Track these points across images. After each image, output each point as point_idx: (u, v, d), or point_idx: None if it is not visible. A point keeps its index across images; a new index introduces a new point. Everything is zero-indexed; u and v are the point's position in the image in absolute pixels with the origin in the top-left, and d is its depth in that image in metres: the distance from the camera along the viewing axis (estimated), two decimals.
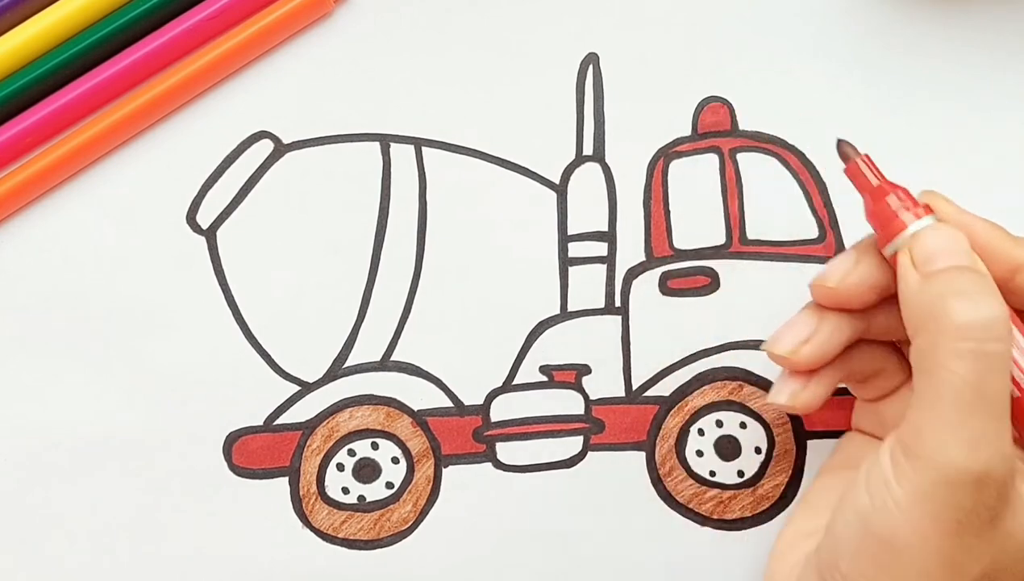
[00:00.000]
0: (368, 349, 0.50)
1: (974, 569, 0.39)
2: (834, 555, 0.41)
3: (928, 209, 0.43)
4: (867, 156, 0.44)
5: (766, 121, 0.51)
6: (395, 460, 0.51)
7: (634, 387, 0.51)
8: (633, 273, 0.51)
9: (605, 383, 0.50)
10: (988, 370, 0.38)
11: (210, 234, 0.50)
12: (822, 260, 0.51)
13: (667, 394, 0.51)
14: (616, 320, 0.51)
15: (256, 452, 0.50)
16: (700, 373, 0.51)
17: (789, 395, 0.45)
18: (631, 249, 0.51)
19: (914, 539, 0.39)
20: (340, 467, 0.50)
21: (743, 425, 0.51)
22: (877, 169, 0.44)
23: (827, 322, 0.44)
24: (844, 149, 0.44)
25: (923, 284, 0.40)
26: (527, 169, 0.51)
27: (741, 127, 0.51)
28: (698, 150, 0.51)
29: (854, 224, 0.51)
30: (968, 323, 0.38)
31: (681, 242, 0.51)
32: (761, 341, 0.51)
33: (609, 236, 0.51)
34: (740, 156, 0.51)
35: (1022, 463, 0.41)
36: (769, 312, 0.51)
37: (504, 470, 0.51)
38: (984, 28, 0.51)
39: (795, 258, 0.51)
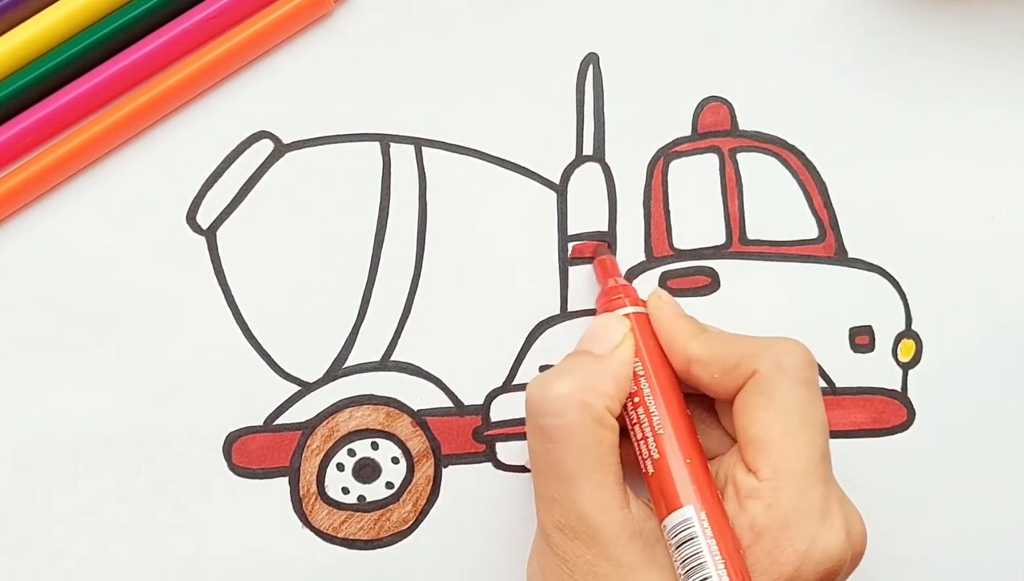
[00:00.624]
0: (368, 349, 0.50)
1: None
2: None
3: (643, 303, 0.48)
4: (611, 258, 0.49)
5: (766, 121, 0.51)
6: (395, 460, 0.51)
7: None
8: (633, 273, 0.51)
9: None
10: (547, 441, 0.44)
11: (210, 234, 0.50)
12: (822, 260, 0.51)
13: None
14: None
15: (256, 452, 0.50)
16: None
17: None
18: (631, 249, 0.51)
19: (536, 574, 0.46)
20: (340, 467, 0.50)
21: None
22: (614, 269, 0.49)
23: None
24: (601, 248, 0.50)
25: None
26: (527, 169, 0.51)
27: (741, 127, 0.51)
28: (698, 150, 0.51)
29: (854, 224, 0.51)
30: (530, 403, 0.44)
31: (681, 242, 0.51)
32: None
33: (609, 236, 0.51)
34: (740, 156, 0.51)
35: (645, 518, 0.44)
36: (769, 312, 0.51)
37: (504, 470, 0.51)
38: (984, 28, 0.51)
39: (795, 258, 0.51)
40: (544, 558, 0.45)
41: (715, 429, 0.47)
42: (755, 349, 0.45)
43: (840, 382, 0.51)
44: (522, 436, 0.50)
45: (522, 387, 0.50)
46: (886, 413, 0.51)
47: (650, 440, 0.44)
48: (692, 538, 0.43)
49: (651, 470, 0.44)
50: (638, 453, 0.45)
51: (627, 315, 0.47)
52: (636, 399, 0.45)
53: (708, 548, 0.42)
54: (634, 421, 0.45)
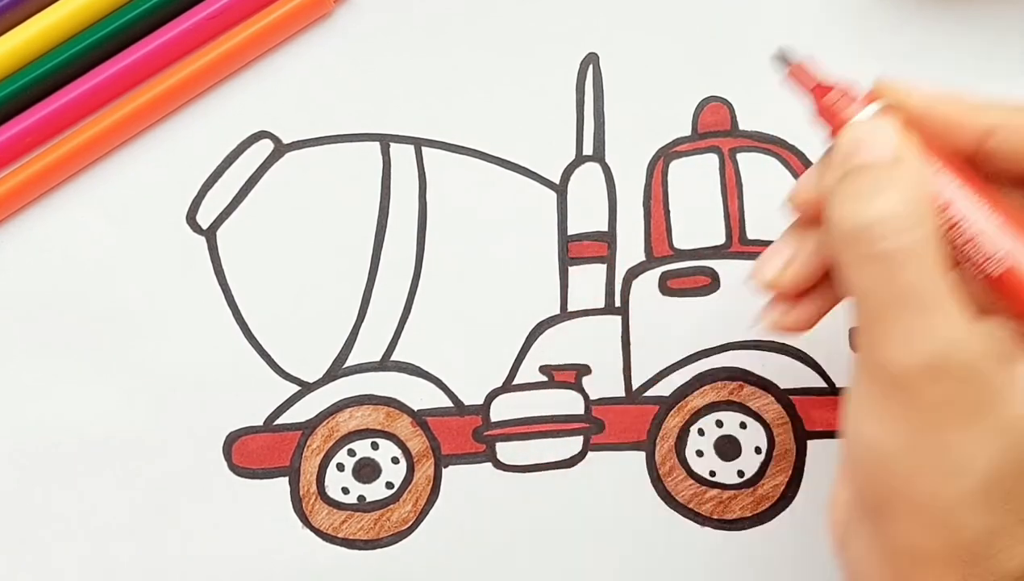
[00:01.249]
0: (368, 349, 0.50)
1: (976, 465, 0.36)
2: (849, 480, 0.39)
3: (873, 98, 0.40)
4: (808, 59, 0.42)
5: (766, 121, 0.51)
6: (395, 460, 0.51)
7: (634, 387, 0.51)
8: (633, 273, 0.51)
9: (605, 383, 0.51)
10: (891, 269, 0.36)
11: (210, 234, 0.50)
12: None
13: (667, 394, 0.51)
14: (616, 320, 0.51)
15: (256, 452, 0.50)
16: (700, 373, 0.51)
17: (778, 314, 0.42)
18: (631, 249, 0.51)
19: (887, 441, 0.37)
20: (340, 467, 0.51)
21: (743, 425, 0.51)
22: (818, 71, 0.42)
23: (807, 240, 0.41)
24: (783, 55, 0.41)
25: (833, 190, 0.38)
26: (527, 169, 0.51)
27: (741, 127, 0.51)
28: (698, 150, 0.51)
29: None
30: (855, 228, 0.37)
31: (681, 242, 0.51)
32: (761, 341, 0.51)
33: (609, 236, 0.51)
34: (740, 156, 0.51)
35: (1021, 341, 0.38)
36: None
37: (504, 470, 0.51)
38: (984, 28, 0.51)
39: None
40: (892, 426, 0.37)
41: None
42: None
43: (840, 382, 0.51)
44: (522, 436, 0.50)
45: (522, 387, 0.50)
46: None
47: (982, 234, 0.38)
48: None
49: (996, 270, 0.38)
50: (970, 262, 0.38)
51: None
52: (953, 226, 0.38)
53: None
54: (950, 226, 0.38)
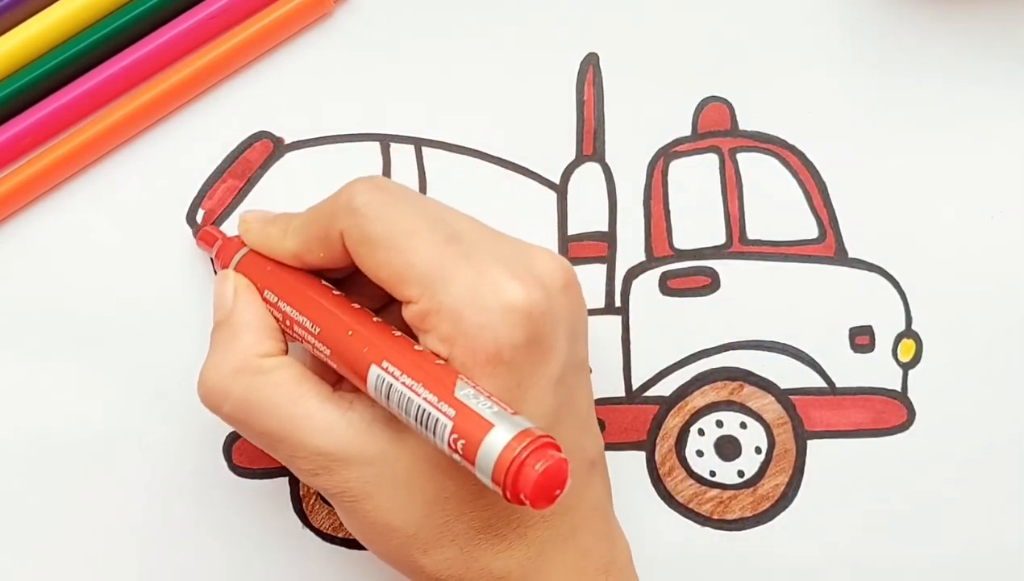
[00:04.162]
0: None
1: (394, 522, 0.43)
2: None
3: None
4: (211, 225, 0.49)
5: (766, 121, 0.51)
6: None
7: (634, 387, 0.51)
8: (633, 273, 0.51)
9: (605, 383, 0.50)
10: (240, 423, 0.44)
11: None
12: (822, 260, 0.51)
13: (667, 394, 0.51)
14: (616, 320, 0.51)
15: (256, 452, 0.50)
16: (700, 373, 0.51)
17: None
18: (631, 249, 0.51)
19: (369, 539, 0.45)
20: None
21: (743, 425, 0.51)
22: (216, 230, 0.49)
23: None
24: (196, 233, 0.50)
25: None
26: (527, 169, 0.51)
27: (741, 127, 0.51)
28: (698, 150, 0.51)
29: (854, 224, 0.51)
30: (207, 406, 0.44)
31: (681, 242, 0.51)
32: (761, 341, 0.51)
33: (609, 236, 0.51)
34: (740, 156, 0.51)
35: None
36: (769, 312, 0.51)
37: None
38: (984, 28, 0.51)
39: (795, 258, 0.51)
40: (339, 513, 0.45)
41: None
42: (330, 211, 0.44)
43: (840, 382, 0.51)
44: None
45: None
46: (886, 413, 0.51)
47: (316, 344, 0.44)
48: (391, 387, 0.41)
49: (335, 365, 0.44)
50: (323, 359, 0.44)
51: (238, 263, 0.47)
52: (288, 322, 0.45)
53: (403, 384, 0.41)
54: (300, 339, 0.45)
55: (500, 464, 0.38)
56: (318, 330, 0.44)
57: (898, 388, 0.51)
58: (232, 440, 0.50)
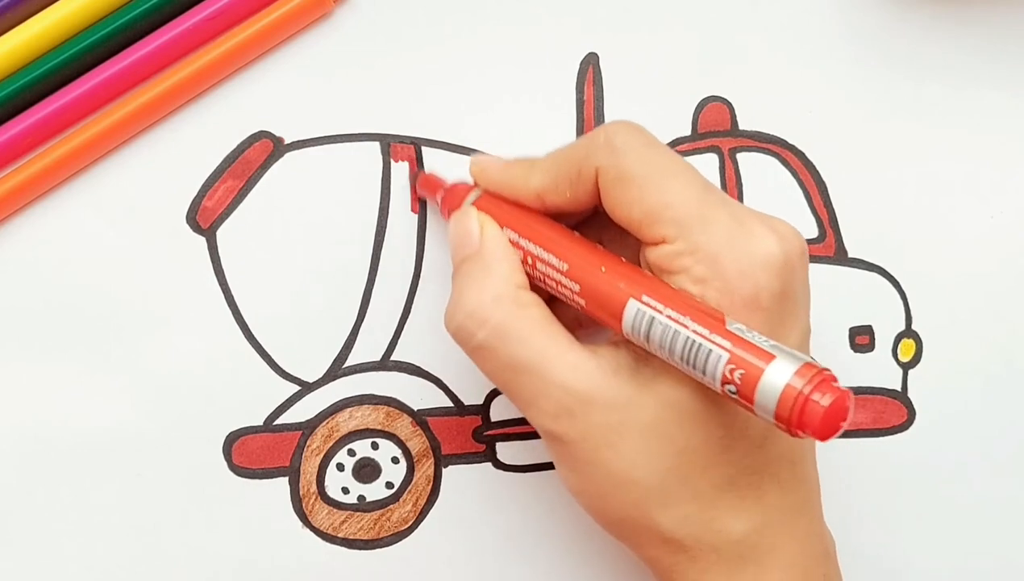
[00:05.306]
0: (368, 349, 0.50)
1: (636, 474, 0.42)
2: None
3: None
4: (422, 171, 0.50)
5: (766, 121, 0.51)
6: (395, 460, 0.51)
7: None
8: None
9: None
10: (493, 352, 0.43)
11: (210, 234, 0.50)
12: (822, 260, 0.51)
13: None
14: None
15: (256, 452, 0.50)
16: None
17: None
18: None
19: (575, 485, 0.43)
20: (340, 467, 0.51)
21: None
22: (437, 176, 0.49)
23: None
24: (412, 177, 0.50)
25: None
26: None
27: (741, 127, 0.51)
28: (698, 150, 0.51)
29: (854, 224, 0.51)
30: (455, 334, 0.44)
31: None
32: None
33: None
34: (740, 156, 0.51)
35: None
36: None
37: (504, 470, 0.51)
38: (984, 28, 0.51)
39: None
40: (566, 467, 0.43)
41: (623, 247, 0.45)
42: (585, 149, 0.43)
43: (840, 382, 0.51)
44: (524, 436, 0.50)
45: None
46: (886, 413, 0.51)
47: (563, 281, 0.43)
48: (652, 322, 0.41)
49: (583, 303, 0.43)
50: (568, 301, 0.44)
51: (472, 204, 0.46)
52: (529, 260, 0.44)
53: (668, 318, 0.40)
54: (541, 278, 0.44)
55: (786, 396, 0.38)
56: (566, 266, 0.43)
57: (898, 388, 0.51)
58: (232, 440, 0.50)
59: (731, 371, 0.39)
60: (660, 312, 0.40)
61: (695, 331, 0.40)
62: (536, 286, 0.44)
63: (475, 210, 0.46)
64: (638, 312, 0.41)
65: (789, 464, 0.43)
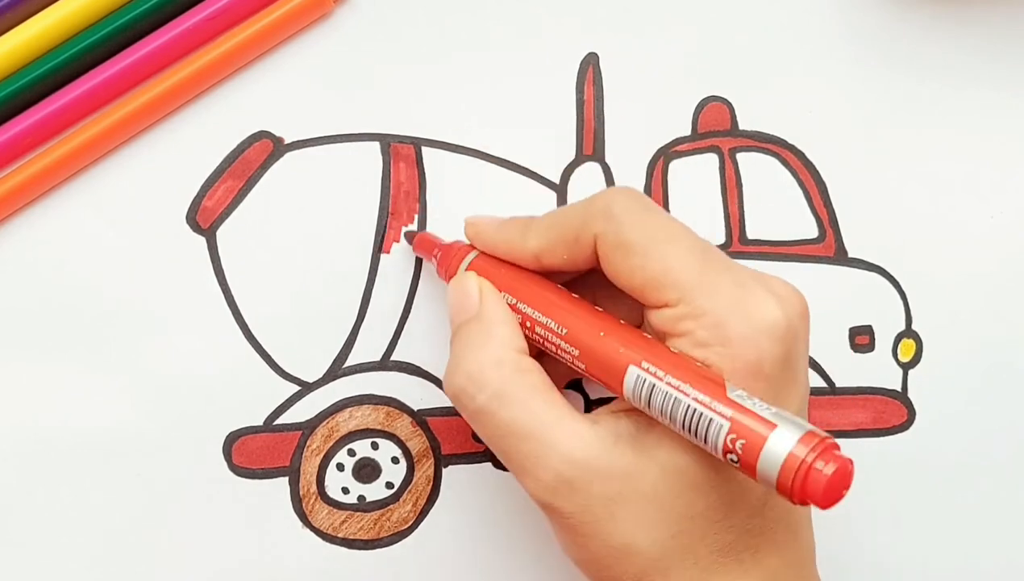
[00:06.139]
0: (368, 349, 0.50)
1: (639, 542, 0.42)
2: None
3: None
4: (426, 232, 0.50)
5: (766, 121, 0.51)
6: (395, 460, 0.51)
7: None
8: None
9: None
10: (491, 416, 0.42)
11: (210, 234, 0.50)
12: (822, 260, 0.51)
13: None
14: None
15: (256, 452, 0.50)
16: None
17: None
18: None
19: (576, 556, 0.43)
20: (340, 467, 0.51)
21: None
22: (434, 236, 0.49)
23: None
24: (409, 233, 0.50)
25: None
26: (527, 169, 0.51)
27: (741, 127, 0.51)
28: (698, 150, 0.51)
29: (854, 224, 0.51)
30: (454, 396, 0.44)
31: None
32: None
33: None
34: (740, 156, 0.51)
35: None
36: None
37: (504, 470, 0.51)
38: (984, 28, 0.51)
39: (795, 258, 0.51)
40: (565, 538, 0.43)
41: (620, 303, 0.45)
42: (583, 215, 0.43)
43: (840, 382, 0.51)
44: None
45: None
46: (886, 413, 0.51)
47: (563, 345, 0.43)
48: (653, 389, 0.41)
49: (583, 367, 0.43)
50: (569, 365, 0.44)
51: (469, 266, 0.46)
52: (528, 324, 0.44)
53: (668, 385, 0.40)
54: (540, 341, 0.44)
55: (788, 466, 0.37)
56: (565, 331, 0.43)
57: (898, 388, 0.51)
58: (232, 440, 0.50)
59: (733, 440, 0.38)
60: (660, 379, 0.40)
61: (696, 399, 0.39)
62: (531, 342, 0.44)
63: (474, 274, 0.46)
64: (638, 378, 0.41)
65: (786, 527, 0.43)
